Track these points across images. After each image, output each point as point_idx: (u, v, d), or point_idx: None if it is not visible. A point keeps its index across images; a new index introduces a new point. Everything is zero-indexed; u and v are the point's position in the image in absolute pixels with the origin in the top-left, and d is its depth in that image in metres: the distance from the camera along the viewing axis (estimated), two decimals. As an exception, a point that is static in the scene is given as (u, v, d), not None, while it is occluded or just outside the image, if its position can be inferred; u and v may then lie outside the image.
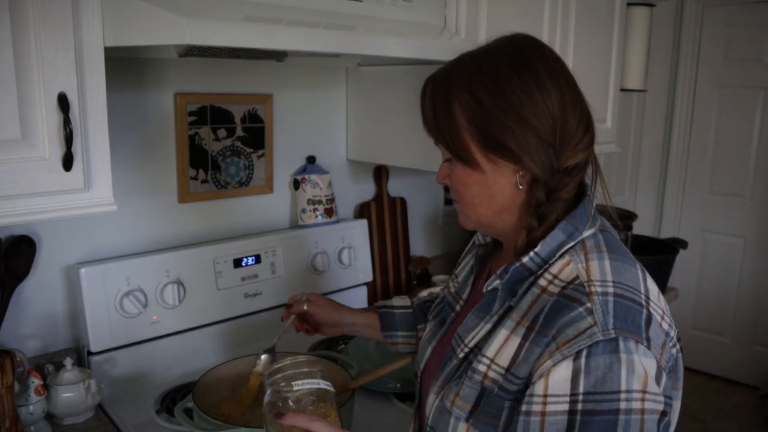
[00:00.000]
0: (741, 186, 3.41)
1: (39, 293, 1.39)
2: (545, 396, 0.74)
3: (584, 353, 0.73)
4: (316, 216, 1.79)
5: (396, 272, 2.09)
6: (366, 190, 2.03)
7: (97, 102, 1.03)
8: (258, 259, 1.65)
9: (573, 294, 0.78)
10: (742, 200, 3.42)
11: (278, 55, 1.40)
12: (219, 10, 1.08)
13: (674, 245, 2.26)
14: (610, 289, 0.77)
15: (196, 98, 1.55)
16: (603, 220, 0.91)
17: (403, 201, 2.11)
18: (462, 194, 0.90)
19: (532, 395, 0.75)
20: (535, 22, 1.79)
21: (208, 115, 1.58)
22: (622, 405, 0.72)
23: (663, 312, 0.80)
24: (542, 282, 0.82)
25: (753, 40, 3.24)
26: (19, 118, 0.95)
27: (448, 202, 2.32)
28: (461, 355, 0.87)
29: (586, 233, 0.85)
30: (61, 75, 0.98)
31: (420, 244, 2.26)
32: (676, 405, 0.85)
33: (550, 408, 0.74)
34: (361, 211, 2.00)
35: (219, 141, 1.62)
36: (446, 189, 2.29)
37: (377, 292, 2.03)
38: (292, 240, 1.73)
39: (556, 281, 0.81)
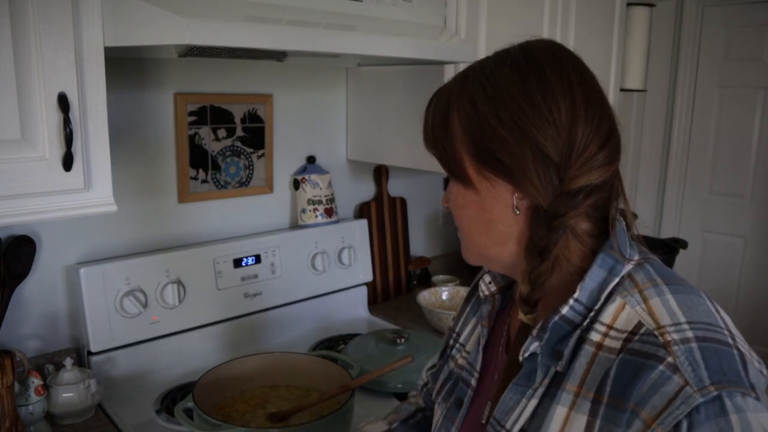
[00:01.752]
0: (741, 186, 3.40)
1: (39, 293, 1.39)
2: None
3: (684, 425, 0.56)
4: (316, 216, 1.79)
5: (396, 272, 2.09)
6: (366, 190, 2.03)
7: (97, 102, 1.03)
8: (258, 259, 1.65)
9: (644, 348, 0.62)
10: (742, 200, 3.42)
11: (278, 55, 1.40)
12: (219, 10, 1.08)
13: (674, 245, 2.26)
14: (689, 333, 0.61)
15: (196, 98, 1.55)
16: (641, 247, 0.75)
17: (403, 201, 2.11)
18: (459, 219, 0.76)
19: None
20: (535, 22, 1.79)
21: (208, 115, 1.58)
22: None
23: (749, 347, 0.65)
24: (594, 336, 0.66)
25: (753, 40, 3.24)
26: (19, 118, 0.95)
27: (448, 202, 2.32)
28: None
29: (629, 266, 0.70)
30: (61, 75, 0.98)
31: (420, 244, 2.25)
32: None
33: None
34: (361, 211, 1.99)
35: (219, 141, 1.61)
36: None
37: (377, 292, 2.03)
38: (292, 240, 1.73)
39: (613, 332, 0.65)
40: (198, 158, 1.58)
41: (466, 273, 2.37)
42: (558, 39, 1.84)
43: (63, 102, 0.98)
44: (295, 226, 1.81)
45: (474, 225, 0.74)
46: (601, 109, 0.70)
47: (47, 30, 0.95)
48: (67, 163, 1.00)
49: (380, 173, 2.03)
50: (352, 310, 1.91)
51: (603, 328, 0.66)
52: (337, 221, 1.85)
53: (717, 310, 0.67)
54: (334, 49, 1.19)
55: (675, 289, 0.67)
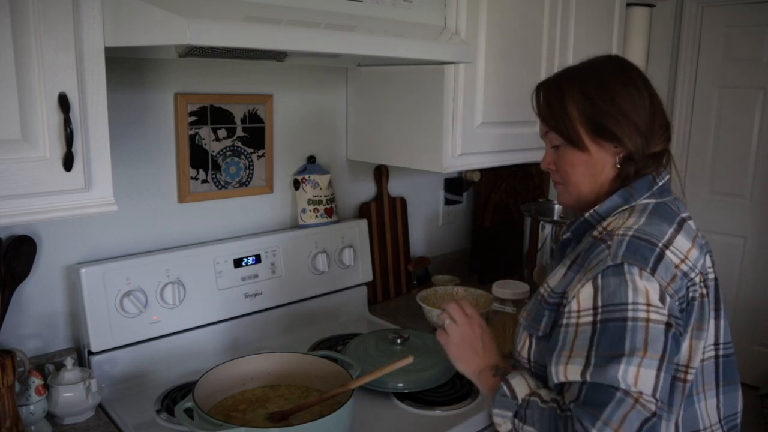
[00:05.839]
0: (741, 186, 3.41)
1: (39, 293, 1.40)
2: (578, 312, 0.96)
3: (600, 276, 0.95)
4: (316, 216, 1.79)
5: (396, 272, 2.09)
6: (366, 190, 2.03)
7: (98, 102, 1.04)
8: (258, 259, 1.65)
9: (604, 237, 1.01)
10: (742, 200, 3.42)
11: (278, 55, 1.40)
12: (219, 10, 1.08)
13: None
14: (630, 233, 0.98)
15: (196, 98, 1.55)
16: (677, 198, 1.11)
17: (403, 201, 2.11)
18: (569, 174, 1.11)
19: (569, 312, 0.98)
20: (535, 22, 1.79)
21: (209, 115, 1.58)
22: (629, 314, 0.92)
23: (684, 257, 0.99)
24: (595, 232, 1.06)
25: (753, 40, 3.24)
26: (19, 118, 0.95)
27: (448, 202, 2.32)
28: (540, 290, 1.12)
29: (643, 201, 1.06)
30: (61, 75, 0.98)
31: (420, 244, 2.26)
32: (697, 345, 1.02)
33: (581, 320, 0.96)
34: (361, 211, 2.00)
35: (219, 141, 1.62)
36: (448, 189, 2.30)
37: (377, 292, 2.03)
38: (292, 240, 1.73)
39: (604, 232, 1.03)
40: (198, 158, 1.59)
41: (466, 273, 2.37)
42: (558, 39, 1.85)
43: (63, 102, 0.98)
44: (295, 226, 1.82)
45: (582, 177, 1.10)
46: (662, 105, 1.10)
47: (47, 30, 0.96)
48: (68, 163, 1.00)
49: (380, 173, 2.03)
50: (352, 310, 1.91)
51: (600, 229, 1.06)
52: (337, 221, 1.85)
53: (674, 235, 1.01)
54: (334, 49, 1.20)
55: (651, 217, 1.02)
